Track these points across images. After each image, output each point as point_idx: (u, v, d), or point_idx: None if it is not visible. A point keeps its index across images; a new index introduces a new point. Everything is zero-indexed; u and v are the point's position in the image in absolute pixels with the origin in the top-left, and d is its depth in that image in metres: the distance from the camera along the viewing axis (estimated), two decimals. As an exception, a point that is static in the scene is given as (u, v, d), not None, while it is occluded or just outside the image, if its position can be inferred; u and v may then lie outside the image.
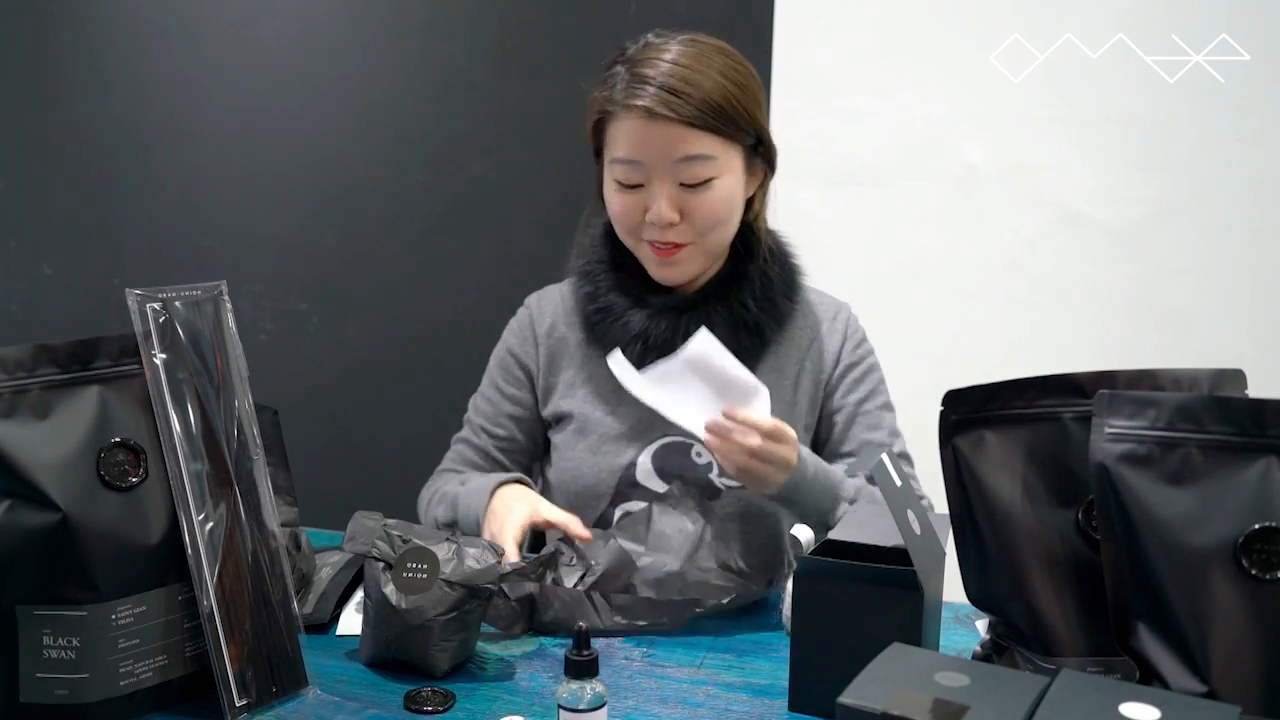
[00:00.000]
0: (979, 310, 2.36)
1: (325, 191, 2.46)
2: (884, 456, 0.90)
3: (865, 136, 2.35)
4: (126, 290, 0.94)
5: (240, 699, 0.93)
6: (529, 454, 1.47)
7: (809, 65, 2.32)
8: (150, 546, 0.92)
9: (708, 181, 1.26)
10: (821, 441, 1.41)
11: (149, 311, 0.94)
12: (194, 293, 0.98)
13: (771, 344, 1.37)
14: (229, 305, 1.01)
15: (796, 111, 2.32)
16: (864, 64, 2.33)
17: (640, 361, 1.32)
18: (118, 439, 0.92)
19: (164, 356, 0.94)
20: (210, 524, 0.94)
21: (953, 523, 0.89)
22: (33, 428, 0.89)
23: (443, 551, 1.02)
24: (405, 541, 1.03)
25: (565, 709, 0.83)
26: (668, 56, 1.25)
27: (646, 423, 1.35)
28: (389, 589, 1.01)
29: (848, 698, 0.66)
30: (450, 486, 1.40)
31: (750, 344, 1.33)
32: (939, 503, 0.96)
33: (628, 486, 1.34)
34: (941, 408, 0.88)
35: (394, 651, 1.03)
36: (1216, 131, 2.11)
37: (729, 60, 1.27)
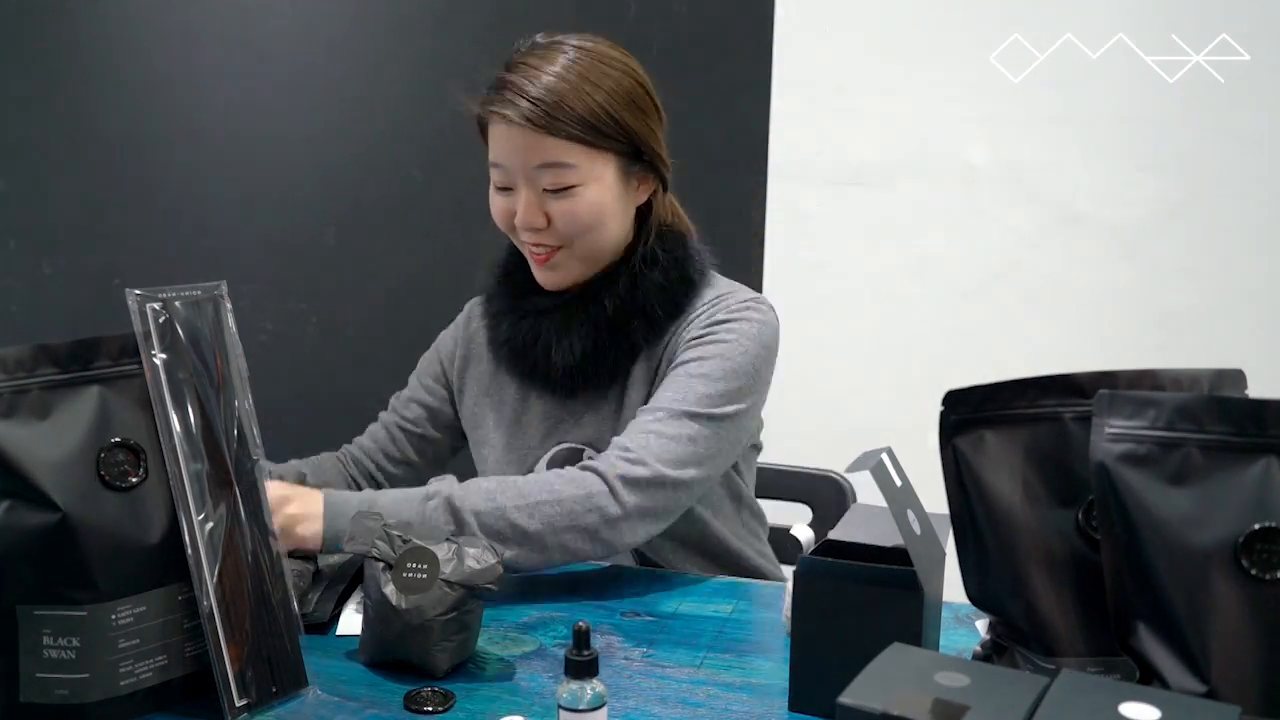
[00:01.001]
0: (979, 310, 2.36)
1: (325, 191, 2.47)
2: (884, 456, 0.90)
3: (865, 137, 2.35)
4: (126, 290, 0.94)
5: (240, 699, 0.93)
6: (431, 443, 1.51)
7: (809, 65, 2.32)
8: (150, 546, 0.92)
9: (570, 189, 1.26)
10: None
11: (149, 311, 0.94)
12: (194, 293, 0.98)
13: (646, 345, 1.33)
14: (229, 305, 1.01)
15: (796, 112, 2.32)
16: (864, 64, 2.33)
17: (513, 367, 1.37)
18: (118, 439, 0.92)
19: (164, 356, 0.94)
20: (210, 524, 0.94)
21: (953, 523, 0.89)
22: (32, 427, 0.89)
23: (443, 552, 1.02)
24: (405, 542, 1.03)
25: (565, 709, 0.83)
26: (536, 61, 1.25)
27: (544, 430, 1.39)
28: (389, 589, 1.01)
29: (848, 698, 0.67)
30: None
31: (612, 343, 1.31)
32: (934, 504, 0.96)
33: None
34: (941, 408, 0.88)
35: (394, 651, 1.03)
36: (1216, 132, 2.12)
37: (607, 68, 1.26)
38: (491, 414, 1.44)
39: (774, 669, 1.05)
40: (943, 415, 0.88)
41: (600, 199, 1.28)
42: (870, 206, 2.36)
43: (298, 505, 1.15)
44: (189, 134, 2.46)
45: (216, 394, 0.97)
